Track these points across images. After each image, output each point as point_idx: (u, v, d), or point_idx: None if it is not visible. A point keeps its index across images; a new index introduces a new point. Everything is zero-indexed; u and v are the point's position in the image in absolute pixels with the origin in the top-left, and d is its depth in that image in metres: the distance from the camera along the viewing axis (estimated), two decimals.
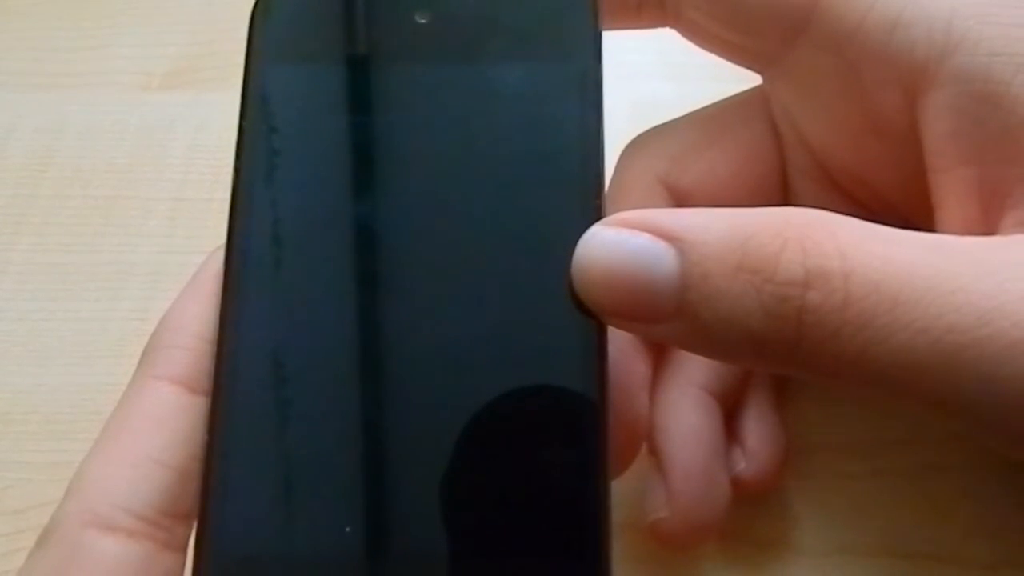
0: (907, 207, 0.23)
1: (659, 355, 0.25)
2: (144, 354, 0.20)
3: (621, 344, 0.22)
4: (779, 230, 0.17)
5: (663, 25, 0.25)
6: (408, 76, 0.21)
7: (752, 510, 0.27)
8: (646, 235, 0.18)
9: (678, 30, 0.25)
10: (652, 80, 0.36)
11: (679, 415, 0.24)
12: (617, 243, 0.18)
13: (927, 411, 0.19)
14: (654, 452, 0.25)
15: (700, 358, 0.24)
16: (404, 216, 0.20)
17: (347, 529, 0.18)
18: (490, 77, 0.21)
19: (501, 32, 0.21)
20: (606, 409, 0.19)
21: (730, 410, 0.26)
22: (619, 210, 0.19)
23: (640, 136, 0.27)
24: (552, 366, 0.19)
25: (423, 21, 0.21)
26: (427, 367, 0.19)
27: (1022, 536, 0.26)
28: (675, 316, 0.18)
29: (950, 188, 0.21)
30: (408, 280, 0.20)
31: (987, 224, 0.20)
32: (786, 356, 0.18)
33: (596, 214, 0.20)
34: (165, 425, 0.19)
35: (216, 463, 0.18)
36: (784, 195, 0.26)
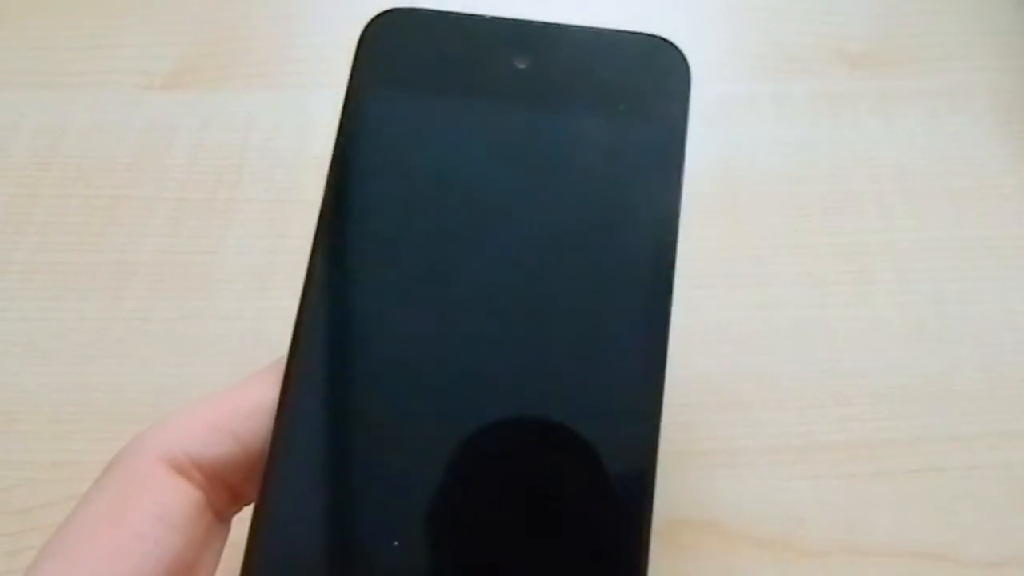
0: None
1: None
2: None
3: None
4: None
5: None
6: (501, 118, 0.22)
7: (755, 509, 0.27)
8: None
9: None
10: None
11: None
12: None
13: None
14: None
15: None
16: (479, 250, 0.21)
17: (395, 543, 0.19)
18: (580, 127, 0.22)
19: (596, 84, 0.22)
20: (657, 428, 0.19)
21: None
22: None
23: None
24: (611, 401, 0.20)
25: (522, 66, 0.22)
26: (488, 393, 0.20)
27: None
28: None
29: None
30: (477, 308, 0.21)
31: None
32: None
33: (668, 272, 0.20)
34: (261, 413, 0.20)
35: (275, 467, 0.19)
36: None
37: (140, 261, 0.33)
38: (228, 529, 0.20)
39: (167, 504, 0.18)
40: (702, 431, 0.29)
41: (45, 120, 0.36)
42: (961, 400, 0.29)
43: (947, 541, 0.27)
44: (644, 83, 0.22)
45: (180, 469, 0.19)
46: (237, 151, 0.35)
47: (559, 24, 0.22)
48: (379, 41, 0.22)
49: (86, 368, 0.31)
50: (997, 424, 0.29)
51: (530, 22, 0.22)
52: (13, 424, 0.30)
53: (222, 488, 0.19)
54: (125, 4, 0.39)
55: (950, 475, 0.28)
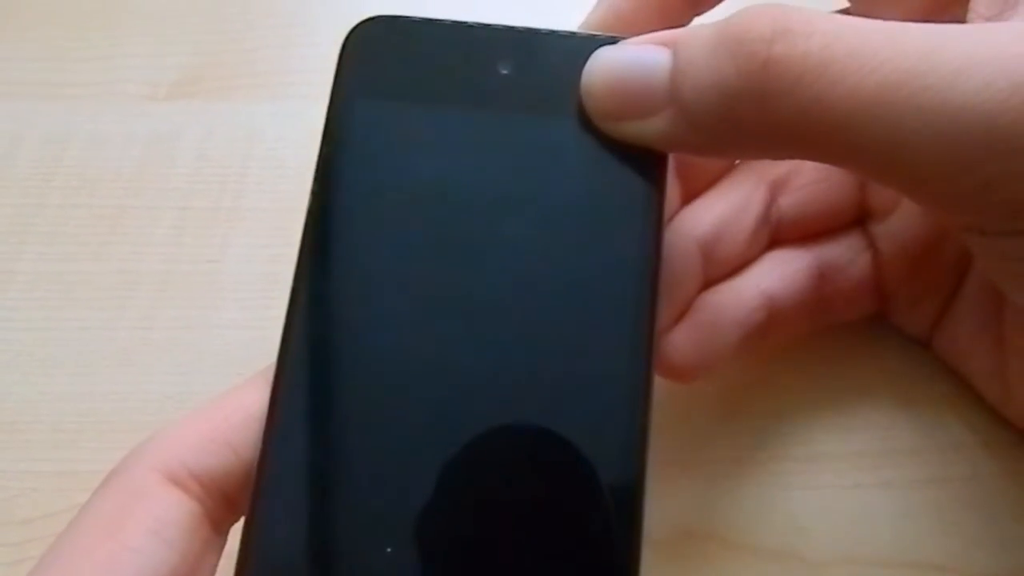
0: None
1: None
2: None
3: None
4: (754, 10, 0.19)
5: None
6: (485, 125, 0.22)
7: (758, 520, 0.27)
8: (646, 45, 0.21)
9: None
10: None
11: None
12: (619, 53, 0.21)
13: (872, 163, 0.20)
14: None
15: None
16: (465, 259, 0.21)
17: (388, 550, 0.19)
18: (565, 132, 0.21)
19: (577, 91, 0.22)
20: (645, 438, 0.19)
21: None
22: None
23: None
24: (594, 409, 0.20)
25: (506, 72, 0.22)
26: (476, 400, 0.20)
27: None
28: (666, 104, 0.20)
29: None
30: (463, 316, 0.20)
31: None
32: (756, 112, 0.19)
33: (653, 279, 0.20)
34: (254, 421, 0.20)
35: (265, 479, 0.19)
36: None
37: (144, 270, 0.33)
38: (224, 541, 0.20)
39: (163, 518, 0.18)
40: (704, 441, 0.29)
41: (49, 130, 0.36)
42: (964, 409, 0.29)
43: (951, 551, 0.27)
44: None
45: (177, 481, 0.19)
46: (241, 160, 0.35)
47: (543, 29, 0.22)
48: (361, 49, 0.22)
49: (89, 378, 0.31)
50: (1001, 433, 0.29)
51: (514, 28, 0.22)
52: (16, 434, 0.30)
53: (219, 499, 0.19)
54: (129, 15, 0.39)
55: (953, 485, 0.28)
